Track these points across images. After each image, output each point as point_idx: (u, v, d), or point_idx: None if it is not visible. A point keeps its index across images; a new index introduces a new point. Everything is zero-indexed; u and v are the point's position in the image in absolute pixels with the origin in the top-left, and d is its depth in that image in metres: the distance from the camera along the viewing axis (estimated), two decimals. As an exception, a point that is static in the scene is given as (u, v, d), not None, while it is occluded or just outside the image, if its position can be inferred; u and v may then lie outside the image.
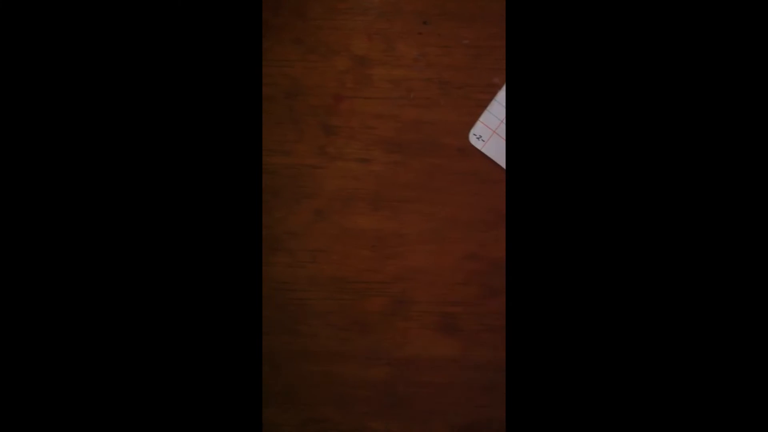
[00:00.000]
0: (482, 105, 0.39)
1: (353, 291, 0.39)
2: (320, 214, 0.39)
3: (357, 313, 0.39)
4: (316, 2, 0.40)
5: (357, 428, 0.39)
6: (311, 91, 0.40)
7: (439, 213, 0.39)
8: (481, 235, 0.39)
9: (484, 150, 0.38)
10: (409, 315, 0.39)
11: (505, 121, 0.38)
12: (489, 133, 0.39)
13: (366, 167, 0.39)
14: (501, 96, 0.39)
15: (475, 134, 0.39)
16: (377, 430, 0.39)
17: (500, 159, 0.38)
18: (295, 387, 0.39)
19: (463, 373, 0.39)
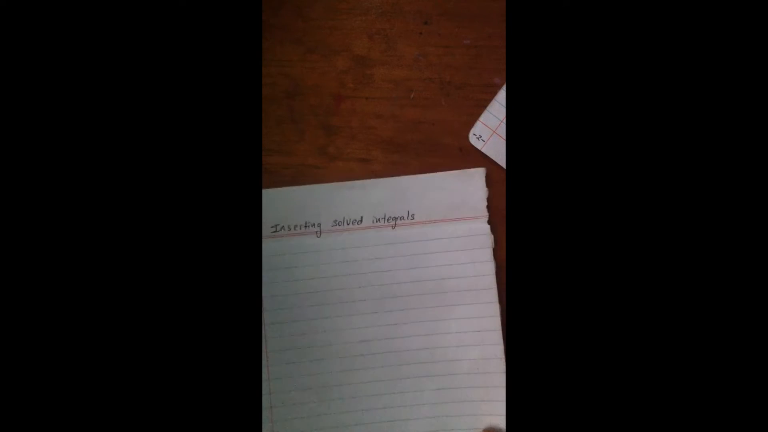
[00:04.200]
0: (482, 105, 0.39)
1: (353, 291, 0.39)
2: (320, 214, 0.39)
3: (357, 313, 0.39)
4: (317, 2, 0.40)
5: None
6: (311, 91, 0.40)
7: (439, 213, 0.39)
8: (481, 235, 0.39)
9: (484, 150, 0.38)
10: (409, 315, 0.39)
11: (505, 121, 0.38)
12: (489, 133, 0.39)
13: (366, 167, 0.39)
14: (501, 96, 0.39)
15: (475, 134, 0.39)
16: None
17: (500, 159, 0.38)
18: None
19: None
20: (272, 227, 0.38)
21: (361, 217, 0.38)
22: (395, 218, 0.38)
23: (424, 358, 0.37)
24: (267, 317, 0.37)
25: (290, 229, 0.38)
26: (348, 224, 0.38)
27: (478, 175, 0.38)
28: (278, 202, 0.38)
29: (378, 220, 0.38)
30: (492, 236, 0.38)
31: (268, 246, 0.38)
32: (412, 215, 0.38)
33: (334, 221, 0.38)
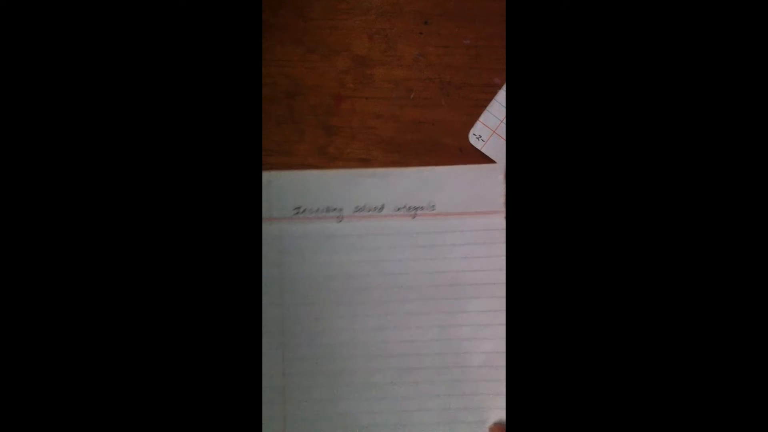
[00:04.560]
0: (482, 105, 0.39)
1: (353, 291, 0.39)
2: (320, 214, 0.39)
3: (357, 313, 0.39)
4: (316, 2, 0.40)
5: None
6: (311, 91, 0.40)
7: (439, 213, 0.39)
8: (481, 235, 0.39)
9: (484, 150, 0.38)
10: (409, 315, 0.39)
11: (505, 121, 0.38)
12: (489, 133, 0.39)
13: (366, 167, 0.39)
14: (501, 96, 0.39)
15: (475, 134, 0.39)
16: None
17: (500, 159, 0.38)
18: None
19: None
20: (295, 209, 0.38)
21: (383, 204, 0.38)
22: (416, 208, 0.38)
23: (437, 350, 0.38)
24: (285, 300, 0.38)
25: (312, 212, 0.38)
26: (369, 211, 0.38)
27: (497, 169, 0.38)
28: (302, 185, 0.38)
29: (399, 209, 0.38)
30: None
31: (290, 228, 0.38)
32: (433, 206, 0.38)
33: (356, 207, 0.38)
